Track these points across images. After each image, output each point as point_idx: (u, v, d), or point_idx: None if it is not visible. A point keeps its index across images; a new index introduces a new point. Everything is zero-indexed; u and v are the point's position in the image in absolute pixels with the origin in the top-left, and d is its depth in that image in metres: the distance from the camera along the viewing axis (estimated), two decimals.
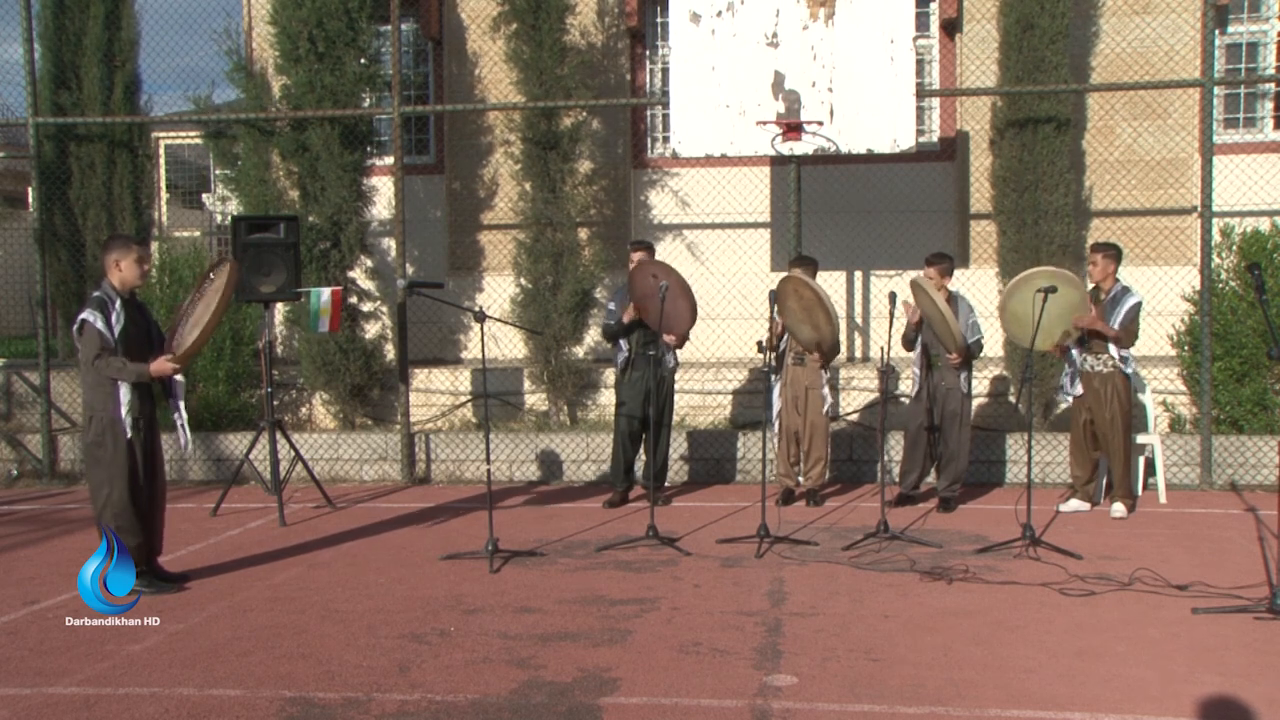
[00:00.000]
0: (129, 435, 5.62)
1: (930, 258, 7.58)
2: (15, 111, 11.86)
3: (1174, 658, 4.53)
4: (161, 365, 5.69)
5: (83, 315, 5.60)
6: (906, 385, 8.03)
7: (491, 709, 4.09)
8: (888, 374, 7.08)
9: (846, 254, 10.22)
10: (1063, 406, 7.65)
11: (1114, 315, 7.19)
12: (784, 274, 7.63)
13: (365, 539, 7.06)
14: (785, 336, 7.74)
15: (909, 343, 7.64)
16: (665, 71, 10.07)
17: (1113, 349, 7.20)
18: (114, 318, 5.60)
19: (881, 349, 6.93)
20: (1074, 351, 7.32)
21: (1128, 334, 7.20)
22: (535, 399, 9.95)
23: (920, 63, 9.89)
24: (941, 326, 7.24)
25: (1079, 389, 7.39)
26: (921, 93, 9.31)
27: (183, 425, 5.90)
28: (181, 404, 5.88)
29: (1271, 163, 9.64)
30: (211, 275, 6.02)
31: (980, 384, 9.30)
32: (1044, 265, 8.23)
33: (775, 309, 7.16)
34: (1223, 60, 10.05)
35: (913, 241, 9.78)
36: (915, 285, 7.32)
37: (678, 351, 8.01)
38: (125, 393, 5.61)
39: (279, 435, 7.93)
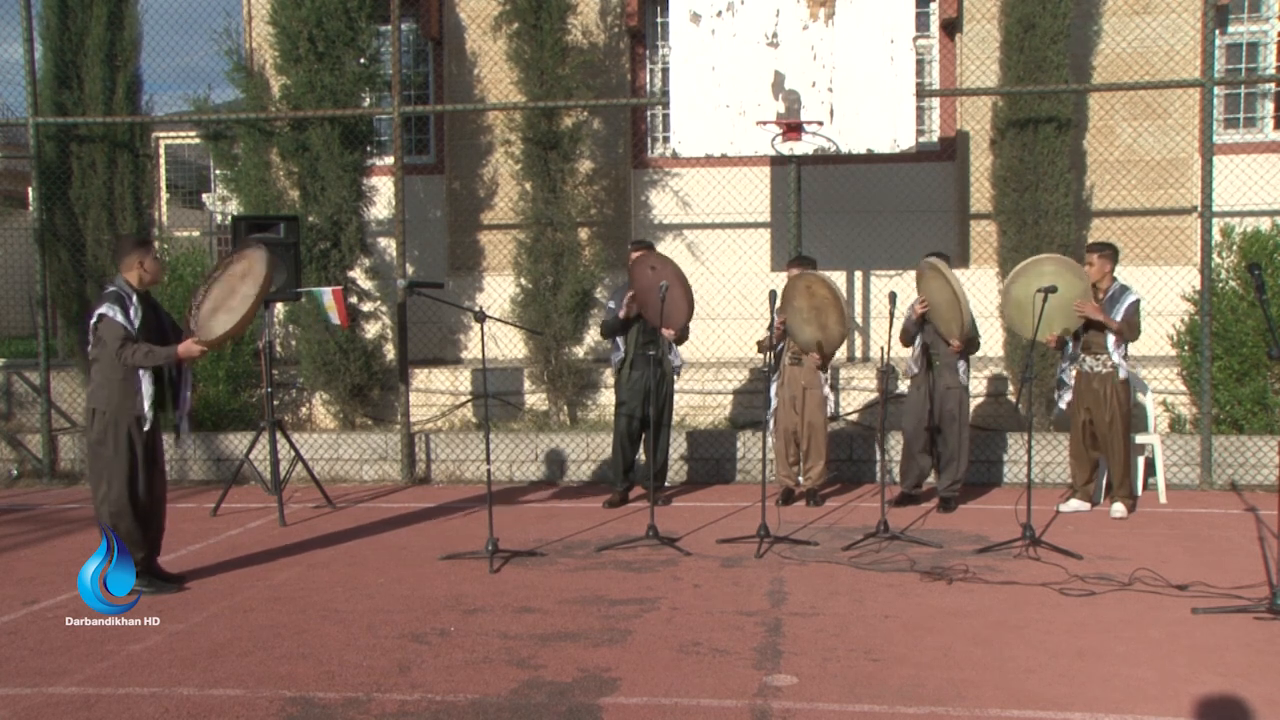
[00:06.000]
0: (148, 426, 5.64)
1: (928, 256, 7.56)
2: (15, 111, 11.87)
3: (1174, 658, 4.53)
4: (189, 348, 5.69)
5: (100, 310, 5.59)
6: (906, 385, 8.00)
7: (491, 709, 4.09)
8: (888, 374, 7.06)
9: (846, 254, 10.22)
10: (1063, 404, 7.58)
11: (1113, 313, 7.18)
12: (784, 273, 7.61)
13: (365, 539, 7.06)
14: (784, 337, 7.72)
15: (910, 339, 7.58)
16: (665, 71, 10.07)
17: (1112, 352, 7.19)
18: (132, 312, 5.62)
19: (881, 349, 6.92)
20: (1069, 345, 7.30)
21: (1130, 328, 7.19)
22: (535, 399, 9.95)
23: (920, 63, 9.88)
24: (951, 311, 7.08)
25: (1070, 387, 7.37)
26: (921, 93, 9.31)
27: (184, 417, 5.93)
28: (188, 394, 5.89)
29: (1271, 163, 9.64)
30: (233, 258, 5.94)
31: (979, 383, 9.30)
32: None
33: (775, 309, 7.13)
34: (1223, 60, 10.05)
35: (913, 241, 9.77)
36: (929, 265, 7.13)
37: (681, 352, 8.00)
38: (147, 385, 5.63)
39: (279, 435, 7.93)
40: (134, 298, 5.66)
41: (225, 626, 5.18)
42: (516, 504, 8.13)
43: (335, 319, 8.05)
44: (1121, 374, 7.23)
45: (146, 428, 5.65)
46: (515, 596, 5.61)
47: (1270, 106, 10.20)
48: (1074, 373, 7.37)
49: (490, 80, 10.80)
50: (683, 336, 7.80)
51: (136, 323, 5.61)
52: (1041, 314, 6.54)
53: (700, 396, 9.68)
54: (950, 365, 7.47)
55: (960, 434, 7.50)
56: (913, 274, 7.52)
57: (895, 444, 8.25)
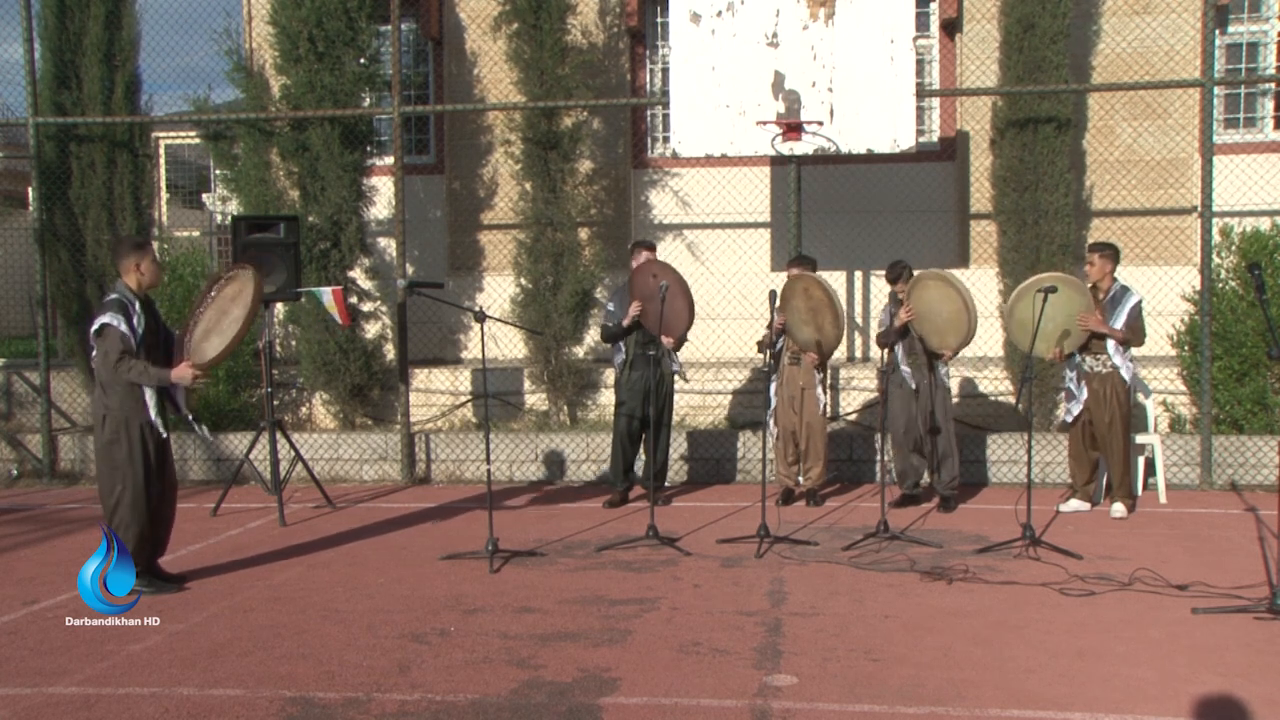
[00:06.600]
0: (164, 435, 5.69)
1: (890, 267, 7.61)
2: (15, 111, 11.87)
3: (1174, 658, 4.53)
4: (183, 372, 5.66)
5: (103, 319, 5.57)
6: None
7: (491, 709, 4.09)
8: (888, 374, 7.04)
9: (846, 254, 10.22)
10: (1070, 416, 7.46)
11: (1115, 315, 7.17)
12: (784, 273, 7.61)
13: (365, 539, 7.06)
14: (782, 335, 7.72)
15: (888, 345, 7.45)
16: (665, 71, 10.07)
17: (1112, 351, 7.18)
18: (135, 320, 5.61)
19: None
20: (1076, 356, 7.28)
21: (1135, 333, 7.17)
22: (535, 399, 9.94)
23: (920, 63, 9.88)
24: (955, 323, 6.99)
25: (1084, 393, 7.33)
26: (921, 93, 9.31)
27: (196, 422, 6.07)
28: (183, 404, 5.92)
29: (1271, 163, 9.64)
30: (224, 279, 5.94)
31: (981, 384, 9.31)
32: (1046, 269, 8.22)
33: (775, 307, 7.13)
34: (1223, 60, 10.05)
35: (913, 241, 9.78)
36: (934, 275, 7.08)
37: (678, 355, 7.98)
38: (150, 394, 5.64)
39: (279, 435, 7.93)
40: (136, 305, 5.66)
41: (225, 626, 5.18)
42: (517, 504, 8.13)
43: (337, 318, 8.09)
44: (1126, 374, 7.21)
45: (163, 435, 5.69)
46: (515, 596, 5.61)
47: (1270, 106, 10.21)
48: (1084, 384, 7.32)
49: (490, 80, 10.80)
50: (680, 345, 7.80)
51: (140, 330, 5.62)
52: (1042, 313, 6.53)
53: (700, 396, 9.68)
54: (935, 365, 7.46)
55: (946, 429, 7.50)
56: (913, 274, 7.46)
57: None
